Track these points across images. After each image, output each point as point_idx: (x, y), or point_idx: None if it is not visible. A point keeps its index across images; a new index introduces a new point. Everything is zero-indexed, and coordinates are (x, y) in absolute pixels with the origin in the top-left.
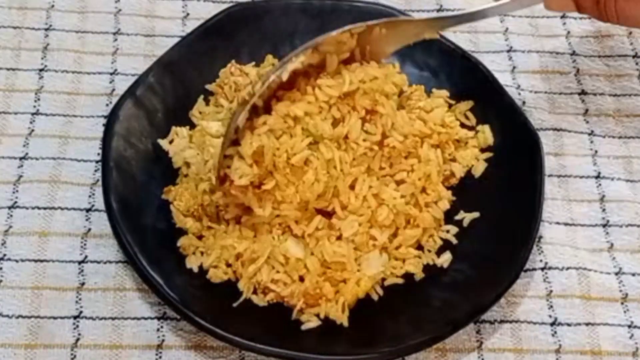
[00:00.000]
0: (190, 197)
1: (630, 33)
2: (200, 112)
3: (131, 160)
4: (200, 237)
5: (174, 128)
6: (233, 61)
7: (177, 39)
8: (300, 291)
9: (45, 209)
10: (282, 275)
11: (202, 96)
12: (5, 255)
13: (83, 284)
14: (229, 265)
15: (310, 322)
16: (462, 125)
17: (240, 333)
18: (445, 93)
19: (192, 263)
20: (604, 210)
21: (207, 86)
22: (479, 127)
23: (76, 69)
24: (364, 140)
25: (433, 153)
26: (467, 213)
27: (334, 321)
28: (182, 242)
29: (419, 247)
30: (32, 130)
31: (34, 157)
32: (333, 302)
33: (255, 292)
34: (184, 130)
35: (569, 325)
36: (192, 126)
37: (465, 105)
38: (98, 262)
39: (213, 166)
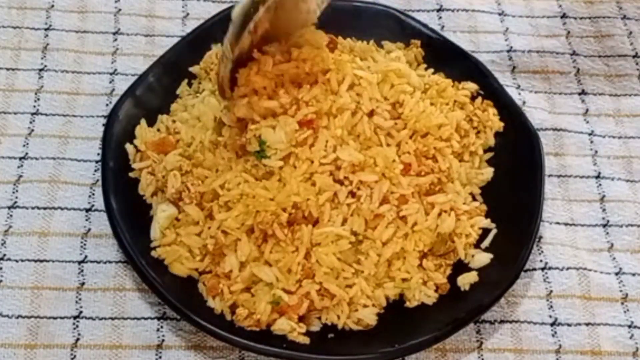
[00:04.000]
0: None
1: (631, 33)
2: (181, 97)
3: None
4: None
5: (160, 117)
6: (219, 44)
7: (177, 39)
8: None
9: (45, 209)
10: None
11: (185, 80)
12: (5, 255)
13: (83, 284)
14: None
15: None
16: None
17: (240, 333)
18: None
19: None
20: (604, 210)
21: (191, 69)
22: (480, 128)
23: (76, 69)
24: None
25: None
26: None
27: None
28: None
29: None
30: (32, 130)
31: (34, 157)
32: (335, 307)
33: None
34: (169, 120)
35: (569, 325)
36: None
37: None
38: (98, 262)
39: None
